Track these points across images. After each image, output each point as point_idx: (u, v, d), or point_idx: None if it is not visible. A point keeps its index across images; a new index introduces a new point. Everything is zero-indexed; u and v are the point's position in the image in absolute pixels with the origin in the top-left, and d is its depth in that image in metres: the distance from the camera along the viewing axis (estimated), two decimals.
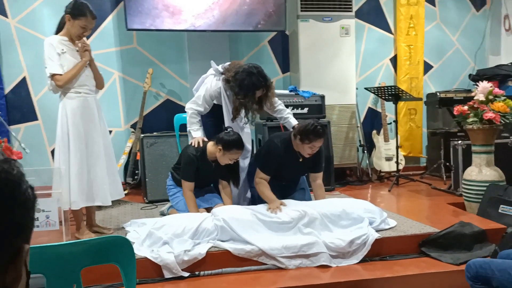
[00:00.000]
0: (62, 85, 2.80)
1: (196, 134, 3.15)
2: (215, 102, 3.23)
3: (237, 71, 3.07)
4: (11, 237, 0.60)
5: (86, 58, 2.86)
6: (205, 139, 3.15)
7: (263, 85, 3.08)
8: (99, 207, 3.32)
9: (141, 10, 4.27)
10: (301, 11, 4.70)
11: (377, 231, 2.80)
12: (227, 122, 3.20)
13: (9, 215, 0.60)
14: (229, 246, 2.60)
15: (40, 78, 4.36)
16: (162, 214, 3.41)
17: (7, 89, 4.42)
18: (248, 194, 3.38)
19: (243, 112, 3.16)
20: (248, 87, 3.03)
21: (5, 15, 4.38)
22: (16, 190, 0.61)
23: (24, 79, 4.46)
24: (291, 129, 3.35)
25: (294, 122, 3.36)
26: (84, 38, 2.94)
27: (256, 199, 3.25)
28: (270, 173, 3.08)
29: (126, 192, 4.30)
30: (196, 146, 3.08)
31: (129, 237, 2.78)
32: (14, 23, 4.40)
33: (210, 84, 3.19)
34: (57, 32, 2.90)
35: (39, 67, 4.32)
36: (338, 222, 2.83)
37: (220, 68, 3.20)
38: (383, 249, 2.73)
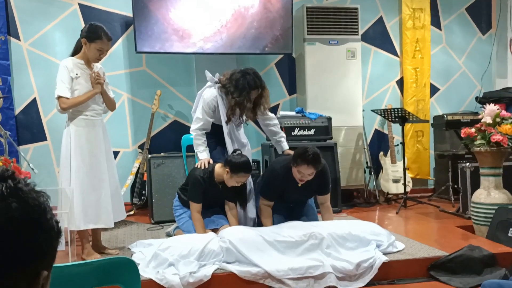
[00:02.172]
0: (66, 108, 2.82)
1: (202, 155, 3.17)
2: (213, 121, 3.25)
3: (233, 73, 3.17)
4: (32, 261, 0.63)
5: (96, 90, 2.89)
6: (211, 161, 3.16)
7: (258, 85, 3.13)
8: (105, 228, 3.32)
9: (151, 34, 4.35)
10: (308, 34, 4.76)
11: (385, 254, 2.77)
12: (226, 135, 3.21)
13: (33, 239, 0.63)
14: (234, 268, 2.58)
15: (50, 100, 4.42)
16: (168, 235, 3.40)
17: (18, 110, 4.49)
18: (253, 214, 3.36)
19: (238, 113, 3.16)
20: (243, 86, 3.08)
21: (18, 38, 4.48)
22: (42, 216, 0.66)
23: (34, 100, 4.53)
24: (281, 153, 3.40)
25: (285, 146, 3.39)
26: (100, 68, 2.98)
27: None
28: (272, 199, 3.14)
29: (132, 212, 4.30)
30: (202, 167, 3.09)
31: (134, 258, 2.77)
32: (26, 46, 4.51)
33: (206, 94, 3.24)
34: (73, 55, 2.93)
35: (49, 89, 4.39)
36: (344, 243, 2.80)
37: (215, 77, 3.26)
38: (391, 273, 2.69)
